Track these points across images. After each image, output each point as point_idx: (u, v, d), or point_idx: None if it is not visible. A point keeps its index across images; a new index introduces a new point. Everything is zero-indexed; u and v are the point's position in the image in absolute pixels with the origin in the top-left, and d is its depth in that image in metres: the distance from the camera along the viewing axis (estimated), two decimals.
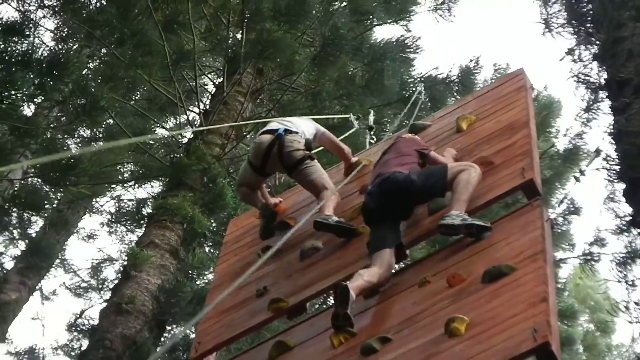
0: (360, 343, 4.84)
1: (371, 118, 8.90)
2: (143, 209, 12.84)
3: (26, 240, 14.00)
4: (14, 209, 12.02)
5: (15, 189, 12.06)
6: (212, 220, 11.00)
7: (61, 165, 10.42)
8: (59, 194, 13.80)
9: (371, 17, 14.25)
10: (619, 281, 8.61)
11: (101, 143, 14.03)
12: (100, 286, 12.98)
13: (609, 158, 9.59)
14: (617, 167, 9.43)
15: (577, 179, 6.15)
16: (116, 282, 10.60)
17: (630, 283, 8.37)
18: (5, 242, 14.33)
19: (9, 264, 14.13)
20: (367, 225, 5.91)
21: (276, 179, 11.14)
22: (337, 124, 10.62)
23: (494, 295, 4.52)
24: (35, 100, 11.75)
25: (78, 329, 11.90)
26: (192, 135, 12.02)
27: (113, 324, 9.21)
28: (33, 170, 11.93)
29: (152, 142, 13.45)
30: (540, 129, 11.18)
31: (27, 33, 10.88)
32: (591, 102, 11.25)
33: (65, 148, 11.73)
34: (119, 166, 12.92)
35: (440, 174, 5.74)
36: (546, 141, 13.93)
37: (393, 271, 5.53)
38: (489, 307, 4.44)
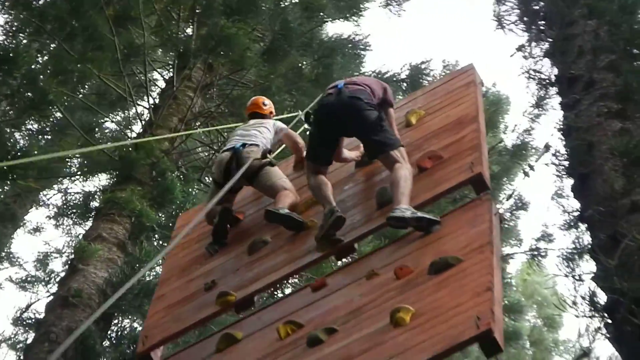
0: (306, 334, 4.85)
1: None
2: (91, 203, 12.72)
3: None
4: None
5: None
6: (160, 214, 10.95)
7: (8, 158, 10.27)
8: (5, 187, 13.61)
9: (321, 13, 14.29)
10: (566, 276, 8.69)
11: (49, 137, 13.89)
12: (46, 279, 12.79)
13: (558, 153, 9.71)
14: (566, 163, 9.55)
15: (526, 174, 6.18)
16: (63, 275, 10.49)
17: (578, 278, 8.45)
18: None
19: None
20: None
21: None
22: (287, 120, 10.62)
23: (440, 286, 4.55)
24: None
25: (24, 322, 11.73)
26: (142, 130, 11.94)
27: (59, 317, 9.16)
28: None
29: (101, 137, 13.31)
30: (489, 125, 11.28)
31: None
32: (541, 98, 11.40)
33: (12, 141, 11.53)
34: (67, 159, 12.75)
35: (394, 139, 5.82)
36: (494, 137, 14.06)
37: (340, 264, 5.60)
38: (434, 298, 4.47)
